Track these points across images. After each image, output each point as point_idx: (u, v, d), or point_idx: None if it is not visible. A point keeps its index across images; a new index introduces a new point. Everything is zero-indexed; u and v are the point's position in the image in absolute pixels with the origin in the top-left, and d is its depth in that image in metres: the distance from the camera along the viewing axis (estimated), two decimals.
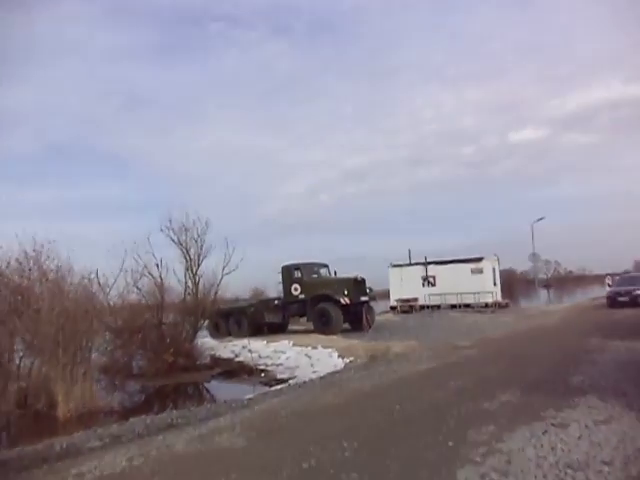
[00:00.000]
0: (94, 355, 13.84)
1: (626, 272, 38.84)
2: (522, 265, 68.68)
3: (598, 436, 5.25)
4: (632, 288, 24.42)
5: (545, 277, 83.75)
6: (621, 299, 24.14)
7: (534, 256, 36.92)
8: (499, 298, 31.44)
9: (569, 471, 4.35)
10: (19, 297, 12.73)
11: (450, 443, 5.32)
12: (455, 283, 30.30)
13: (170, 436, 6.73)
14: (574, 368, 9.25)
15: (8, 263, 13.07)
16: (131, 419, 8.32)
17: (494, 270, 32.24)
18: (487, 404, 6.94)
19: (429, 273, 32.42)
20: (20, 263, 13.21)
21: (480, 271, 30.61)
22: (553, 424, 5.78)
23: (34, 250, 13.24)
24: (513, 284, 63.03)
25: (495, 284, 31.88)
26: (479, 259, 31.09)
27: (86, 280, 14.04)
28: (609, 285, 27.38)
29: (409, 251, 35.95)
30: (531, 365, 9.98)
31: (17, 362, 12.53)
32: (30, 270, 13.29)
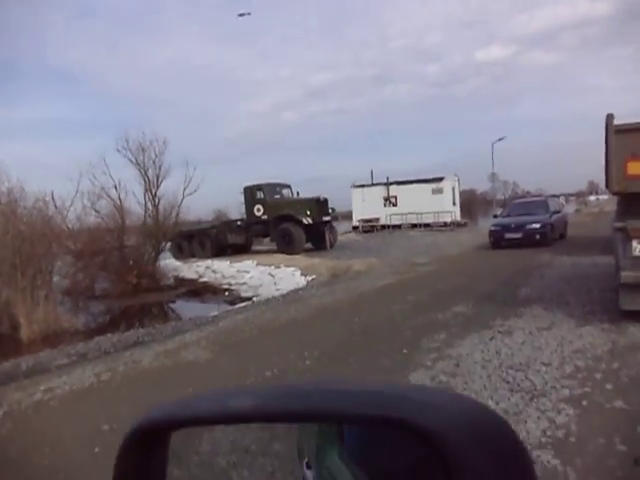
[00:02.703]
0: (55, 278, 13.78)
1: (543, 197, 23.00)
2: (482, 185, 70.01)
3: (540, 341, 5.68)
4: (527, 219, 16.20)
5: (503, 197, 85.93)
6: (510, 236, 16.09)
7: (493, 176, 37.69)
8: (458, 218, 32.26)
9: (511, 371, 4.74)
10: None
11: (405, 351, 5.67)
12: (416, 203, 30.79)
13: (137, 352, 6.92)
14: (524, 281, 9.78)
15: None
16: (97, 338, 8.49)
17: (454, 190, 32.81)
18: (440, 315, 7.34)
19: (391, 193, 32.76)
20: None
21: (440, 191, 31.11)
22: (500, 331, 6.21)
23: None
24: (473, 204, 64.41)
25: (454, 204, 32.58)
26: (439, 179, 31.49)
27: (41, 203, 13.70)
28: (495, 216, 18.61)
29: (371, 171, 36.08)
30: (484, 280, 10.49)
31: None
32: None
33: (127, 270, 16.00)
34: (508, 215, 17.49)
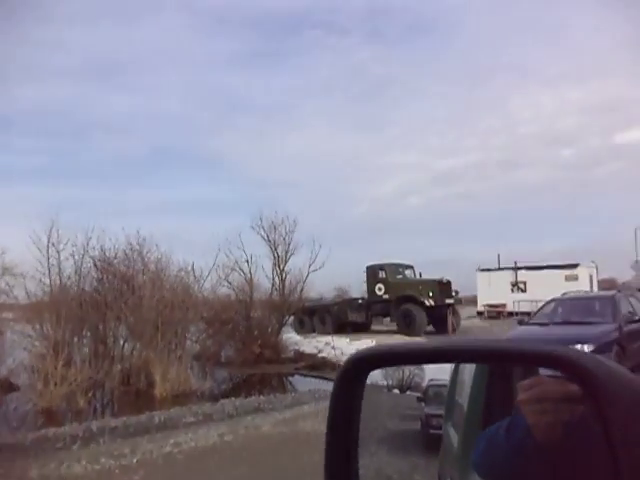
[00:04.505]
0: (188, 342, 14.79)
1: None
2: (625, 275, 63.72)
3: None
4: (566, 334, 8.47)
5: None
6: None
7: (637, 264, 34.39)
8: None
9: None
10: (125, 285, 13.93)
11: None
12: (547, 290, 28.43)
13: (257, 418, 7.15)
14: None
15: (116, 254, 14.36)
16: (222, 401, 8.90)
17: (591, 278, 30.39)
18: None
19: (519, 279, 31.15)
20: (126, 254, 14.46)
21: (575, 278, 28.94)
22: None
23: (137, 243, 14.47)
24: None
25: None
26: (574, 265, 29.44)
27: (182, 272, 15.08)
28: (520, 323, 11.90)
29: (498, 256, 34.76)
30: None
31: (121, 345, 13.71)
32: (134, 261, 14.50)
33: (252, 340, 16.71)
34: (541, 323, 9.74)
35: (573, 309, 10.09)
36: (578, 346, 7.13)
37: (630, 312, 9.33)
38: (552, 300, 10.97)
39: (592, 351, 7.37)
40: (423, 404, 1.09)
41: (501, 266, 33.07)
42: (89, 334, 13.31)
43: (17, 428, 8.42)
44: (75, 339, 12.76)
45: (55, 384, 10.31)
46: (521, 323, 10.93)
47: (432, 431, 1.12)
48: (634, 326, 8.91)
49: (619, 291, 11.37)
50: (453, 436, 1.03)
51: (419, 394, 1.09)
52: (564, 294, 11.38)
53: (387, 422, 1.13)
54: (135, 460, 5.20)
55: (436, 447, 1.09)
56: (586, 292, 13.02)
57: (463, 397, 0.99)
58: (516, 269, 31.48)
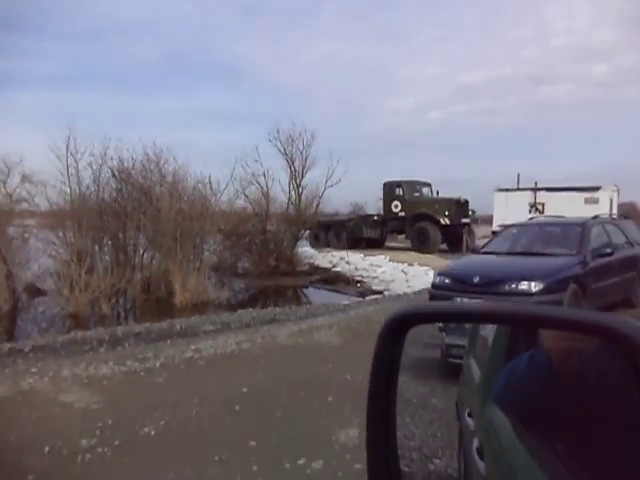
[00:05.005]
0: (205, 254, 15.15)
1: None
2: None
3: None
4: (519, 265, 7.25)
5: None
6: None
7: None
8: None
9: None
10: (143, 197, 14.07)
11: None
12: (566, 212, 28.06)
13: (273, 328, 7.43)
14: None
15: (133, 165, 14.38)
16: (239, 311, 9.24)
17: (611, 202, 29.81)
18: None
19: (538, 200, 30.67)
20: (143, 165, 14.48)
21: (595, 201, 28.37)
22: None
23: (155, 154, 14.43)
24: (632, 219, 58.02)
25: (611, 217, 29.65)
26: (596, 188, 28.75)
27: (200, 185, 15.16)
28: (472, 251, 10.81)
29: (518, 175, 34.04)
30: None
31: (141, 254, 14.08)
32: (151, 172, 14.54)
33: (268, 253, 17.06)
34: (493, 252, 8.16)
35: (535, 237, 8.50)
36: (524, 283, 6.63)
37: (604, 244, 7.82)
38: (512, 225, 9.46)
39: (540, 290, 6.52)
40: (444, 334, 1.13)
41: (520, 187, 32.57)
42: (110, 243, 13.67)
43: (46, 330, 8.92)
44: (96, 247, 13.13)
45: (80, 290, 10.75)
46: (474, 251, 9.34)
47: (450, 360, 1.16)
48: (602, 261, 7.41)
49: (595, 217, 9.31)
50: (475, 369, 1.07)
51: (441, 324, 1.12)
52: (530, 219, 10.27)
53: (410, 349, 1.17)
54: (158, 364, 5.50)
55: (453, 375, 1.14)
56: (556, 217, 10.67)
57: (487, 331, 1.02)
58: (535, 190, 30.96)
